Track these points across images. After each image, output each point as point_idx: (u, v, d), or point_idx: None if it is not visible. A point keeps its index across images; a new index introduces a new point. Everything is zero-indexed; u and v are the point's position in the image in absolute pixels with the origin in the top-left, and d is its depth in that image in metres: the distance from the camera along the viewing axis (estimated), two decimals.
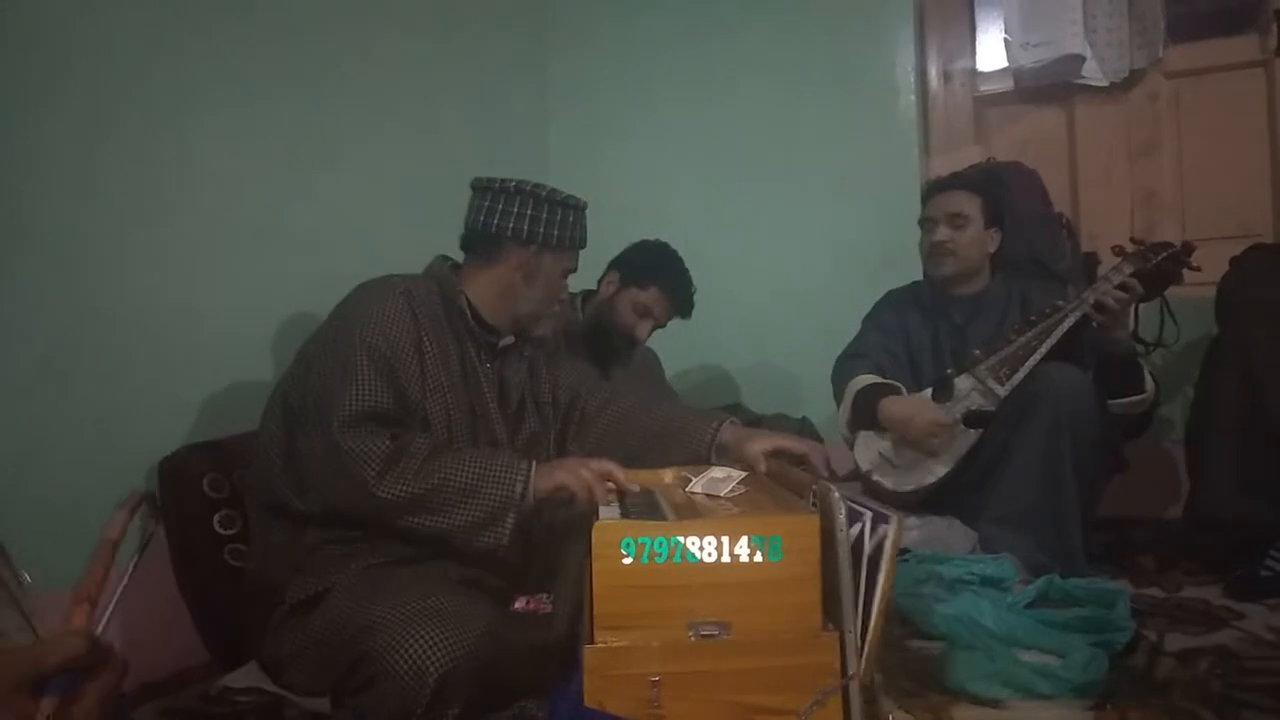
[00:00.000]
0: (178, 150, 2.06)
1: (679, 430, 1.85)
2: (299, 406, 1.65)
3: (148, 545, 1.10)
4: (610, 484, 1.58)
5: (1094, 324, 2.27)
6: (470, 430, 1.73)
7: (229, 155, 2.18)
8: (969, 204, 2.48)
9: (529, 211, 1.77)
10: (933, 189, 2.59)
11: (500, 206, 1.78)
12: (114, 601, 0.92)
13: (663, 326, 2.62)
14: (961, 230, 2.46)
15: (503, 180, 1.79)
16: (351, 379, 1.58)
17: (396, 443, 1.54)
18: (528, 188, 1.78)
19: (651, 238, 2.67)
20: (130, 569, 1.05)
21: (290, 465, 1.64)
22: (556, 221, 1.78)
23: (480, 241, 1.81)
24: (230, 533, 1.85)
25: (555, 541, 1.69)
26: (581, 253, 1.88)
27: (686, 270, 2.60)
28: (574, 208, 1.81)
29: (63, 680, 0.72)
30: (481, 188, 1.81)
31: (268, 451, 1.69)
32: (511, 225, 1.77)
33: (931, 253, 2.51)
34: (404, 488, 1.51)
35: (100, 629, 0.87)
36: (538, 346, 1.97)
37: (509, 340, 1.86)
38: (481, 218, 1.79)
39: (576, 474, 1.59)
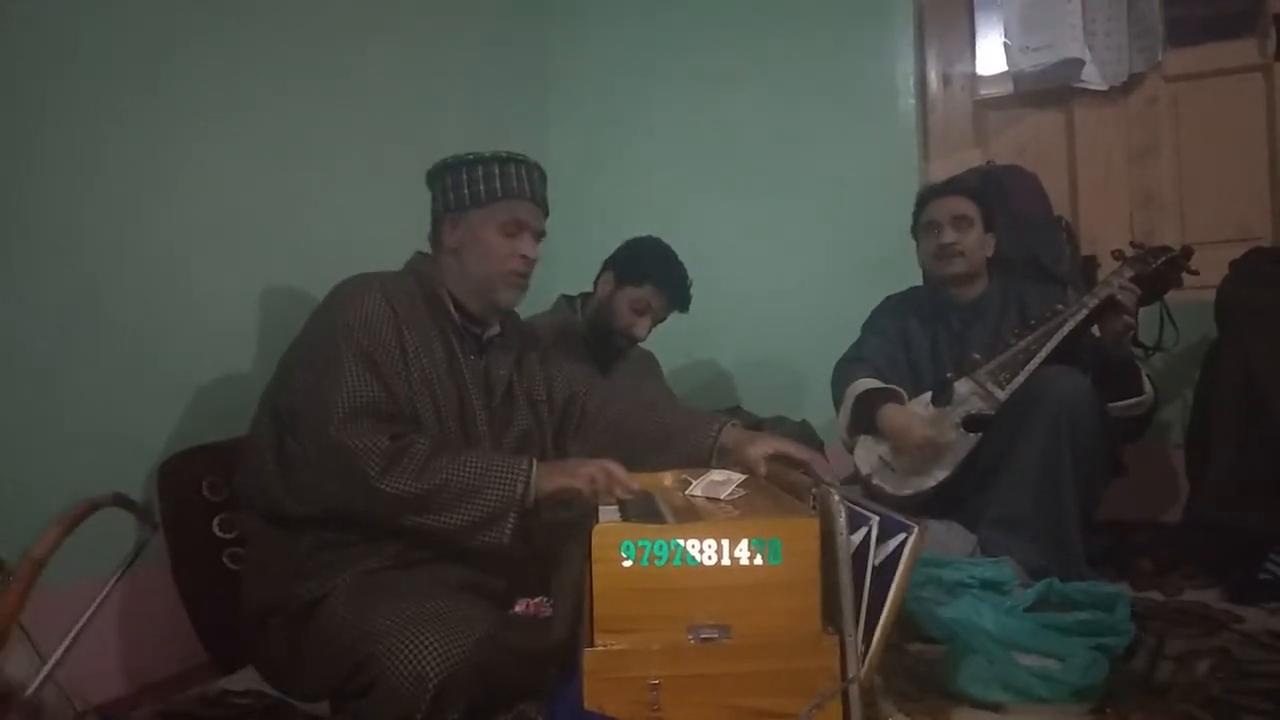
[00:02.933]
0: (179, 151, 2.06)
1: (681, 432, 1.85)
2: (288, 411, 1.64)
3: (139, 554, 1.08)
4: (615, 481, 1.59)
5: (1096, 328, 2.28)
6: (460, 426, 1.72)
7: (229, 157, 2.17)
8: (970, 208, 2.49)
9: (446, 183, 1.79)
10: (931, 194, 2.59)
11: (435, 191, 1.82)
12: (91, 611, 0.89)
13: (662, 320, 2.62)
14: (966, 232, 2.47)
15: (436, 166, 1.82)
16: (341, 378, 1.57)
17: (397, 441, 1.54)
18: (449, 162, 1.79)
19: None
20: (114, 579, 1.03)
21: (284, 470, 1.63)
22: (465, 181, 1.76)
23: (432, 231, 1.84)
24: (229, 536, 1.85)
25: (555, 544, 1.68)
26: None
27: (680, 263, 2.60)
28: (483, 162, 1.77)
29: None
30: (428, 180, 1.85)
31: (260, 458, 1.68)
32: (439, 203, 1.81)
33: (939, 254, 2.50)
34: (406, 485, 1.51)
35: (56, 659, 0.81)
36: (527, 340, 1.95)
37: (494, 331, 1.86)
38: (430, 208, 1.83)
39: (577, 473, 1.60)
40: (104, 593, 0.94)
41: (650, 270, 2.56)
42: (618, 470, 1.61)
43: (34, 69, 1.79)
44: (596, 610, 1.30)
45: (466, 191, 1.76)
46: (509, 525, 1.55)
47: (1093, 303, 2.27)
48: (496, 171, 1.76)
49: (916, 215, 2.59)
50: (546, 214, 1.88)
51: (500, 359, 1.86)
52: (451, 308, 1.78)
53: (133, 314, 1.94)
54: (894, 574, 1.30)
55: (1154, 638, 1.85)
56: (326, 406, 1.55)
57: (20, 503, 1.67)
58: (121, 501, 1.20)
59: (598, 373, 2.28)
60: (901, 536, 1.31)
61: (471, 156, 1.77)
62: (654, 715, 1.28)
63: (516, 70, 3.39)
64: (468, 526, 1.54)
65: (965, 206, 2.49)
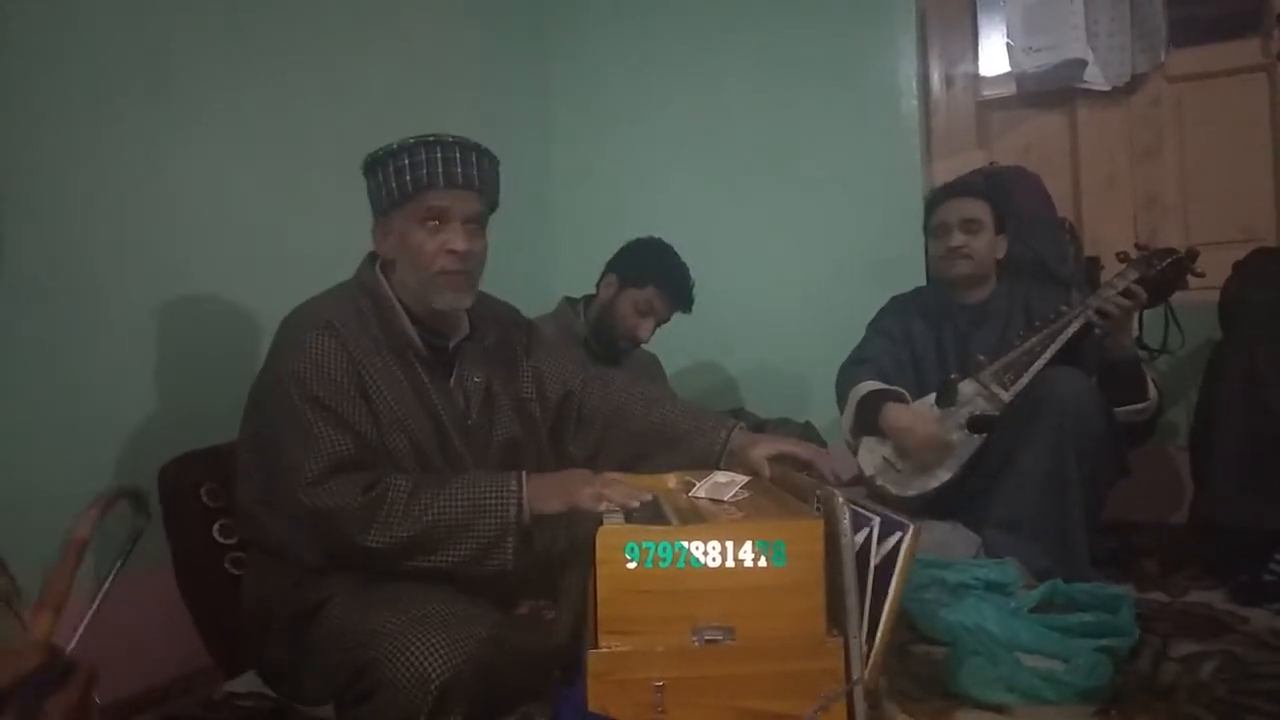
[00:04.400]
0: (181, 153, 2.06)
1: (687, 433, 1.80)
2: (265, 472, 1.60)
3: (135, 544, 1.08)
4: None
5: (1098, 330, 2.28)
6: (441, 453, 1.65)
7: (231, 159, 2.18)
8: (981, 210, 2.49)
9: (371, 185, 1.65)
10: (941, 195, 2.58)
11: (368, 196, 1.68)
12: (94, 609, 0.88)
13: (665, 321, 2.62)
14: (976, 235, 2.47)
15: (363, 164, 1.66)
16: (304, 437, 1.50)
17: (371, 492, 1.48)
18: (368, 159, 1.64)
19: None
20: (113, 573, 1.03)
21: (276, 520, 1.60)
22: (381, 180, 1.62)
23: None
24: (230, 541, 1.83)
25: (558, 545, 1.67)
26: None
27: (682, 264, 2.60)
28: (393, 155, 1.60)
29: (22, 695, 0.66)
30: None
31: (247, 482, 1.65)
32: (371, 208, 1.68)
33: (946, 256, 2.50)
34: (393, 534, 1.47)
35: (76, 638, 0.81)
36: (504, 329, 1.85)
37: (463, 334, 1.74)
38: None
39: (580, 492, 1.53)
40: (105, 586, 0.93)
41: (653, 272, 2.55)
42: (619, 487, 1.54)
43: (34, 69, 1.79)
44: (600, 612, 1.30)
45: (383, 192, 1.61)
46: (509, 550, 1.50)
47: (1096, 305, 2.26)
48: (407, 162, 1.58)
49: (927, 216, 2.59)
50: (486, 194, 1.66)
51: (473, 365, 1.74)
52: (408, 324, 1.65)
53: (132, 314, 1.94)
54: (892, 573, 1.30)
55: (1158, 639, 1.85)
56: (294, 470, 1.49)
57: (19, 503, 1.67)
58: (136, 497, 1.17)
59: (591, 363, 2.23)
60: (898, 535, 1.31)
61: (382, 151, 1.61)
62: (658, 717, 1.27)
63: (516, 70, 3.39)
64: (468, 559, 1.49)
65: (976, 209, 2.48)
